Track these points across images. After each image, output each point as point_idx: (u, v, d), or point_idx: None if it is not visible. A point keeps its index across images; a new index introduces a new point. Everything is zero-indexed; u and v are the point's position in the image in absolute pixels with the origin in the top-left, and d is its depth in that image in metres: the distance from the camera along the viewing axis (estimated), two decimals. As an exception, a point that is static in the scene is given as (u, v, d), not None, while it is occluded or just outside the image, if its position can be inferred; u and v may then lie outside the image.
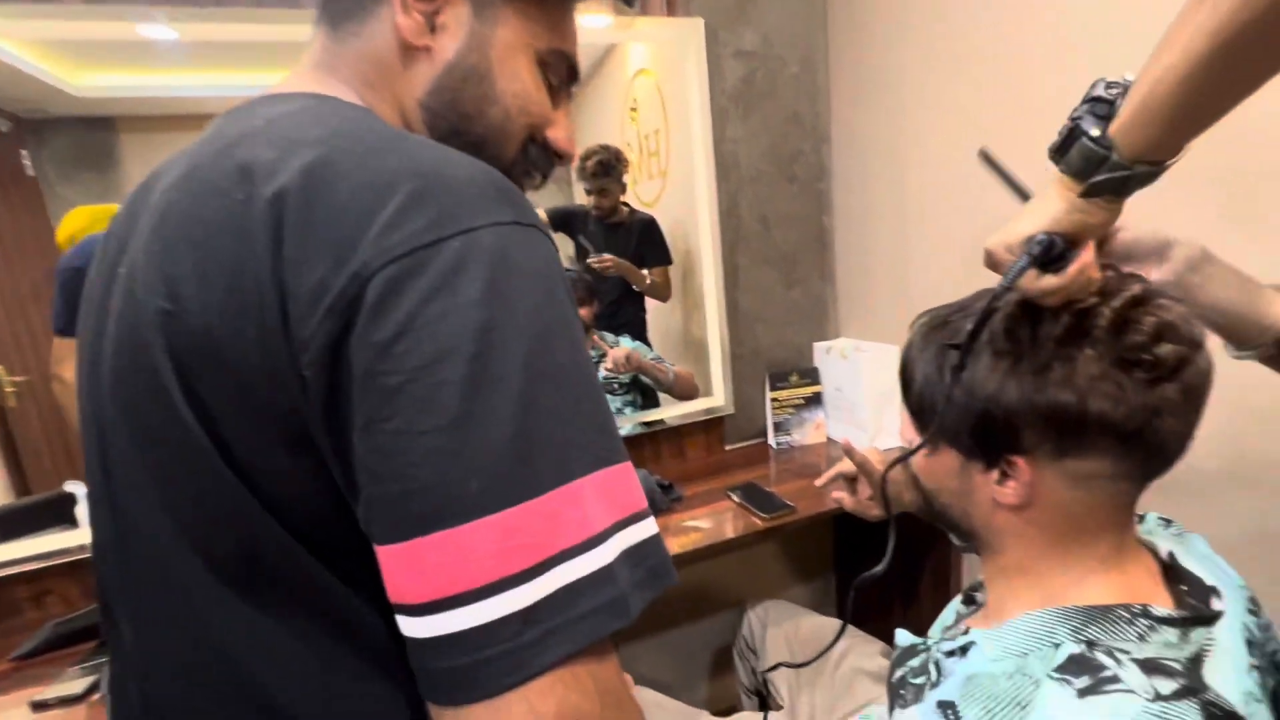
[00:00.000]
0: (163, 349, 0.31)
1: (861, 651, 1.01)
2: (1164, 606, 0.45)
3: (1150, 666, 0.40)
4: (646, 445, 1.43)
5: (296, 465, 0.32)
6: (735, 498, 1.23)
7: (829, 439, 1.51)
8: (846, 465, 0.83)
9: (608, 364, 1.41)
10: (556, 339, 0.31)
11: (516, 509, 0.28)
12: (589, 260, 1.38)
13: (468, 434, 0.28)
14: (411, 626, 0.29)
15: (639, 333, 1.48)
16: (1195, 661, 0.43)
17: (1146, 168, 0.40)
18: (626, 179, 1.38)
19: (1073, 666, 0.41)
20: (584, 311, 1.38)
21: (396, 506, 0.28)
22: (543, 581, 0.28)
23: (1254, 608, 0.50)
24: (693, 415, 1.44)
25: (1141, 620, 0.43)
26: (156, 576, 0.36)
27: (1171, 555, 0.50)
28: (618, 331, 1.45)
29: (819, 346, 1.52)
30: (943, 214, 1.24)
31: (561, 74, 0.46)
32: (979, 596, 0.63)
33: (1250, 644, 0.47)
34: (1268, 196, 0.77)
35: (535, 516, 0.28)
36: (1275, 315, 0.53)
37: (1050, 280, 0.44)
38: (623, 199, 1.39)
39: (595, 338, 1.43)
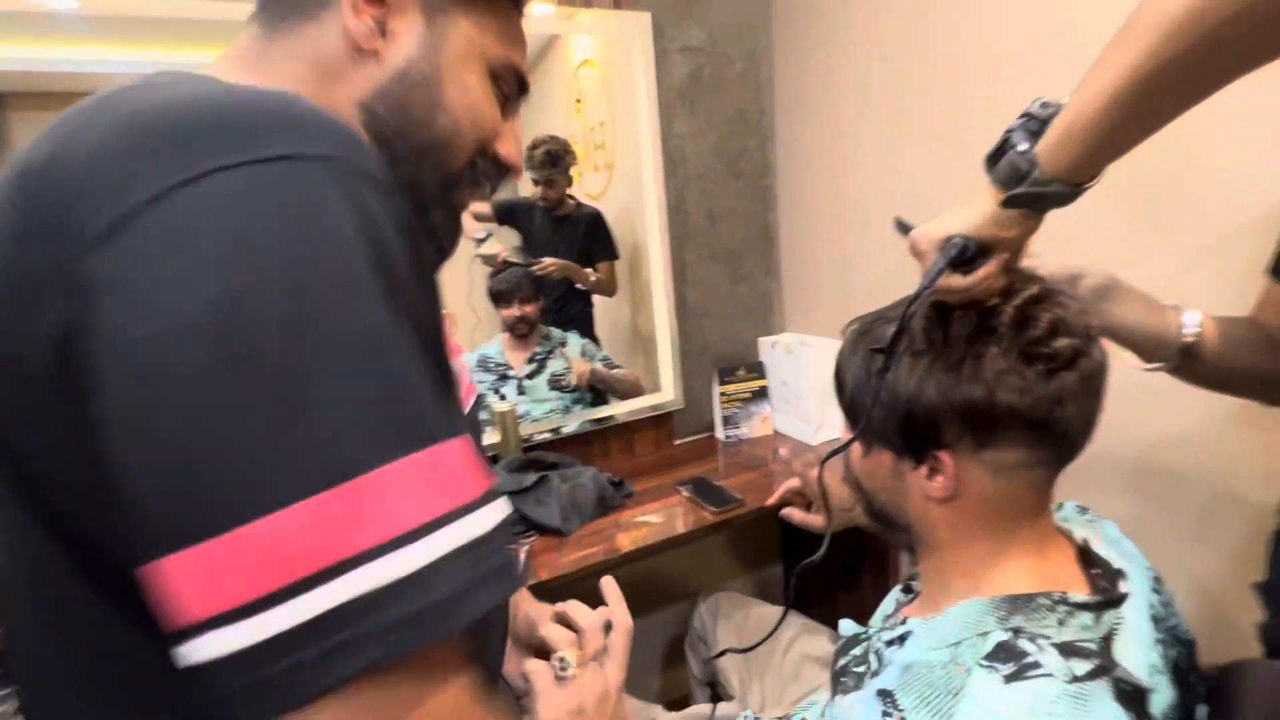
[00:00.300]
0: None
1: (809, 639, 1.04)
2: (1080, 591, 0.49)
3: (1068, 650, 0.44)
4: (596, 442, 1.42)
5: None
6: (685, 492, 1.24)
7: (775, 432, 1.55)
8: (795, 481, 0.86)
9: (573, 379, 1.39)
10: (334, 301, 0.26)
11: (285, 511, 0.24)
12: (532, 269, 1.36)
13: (216, 430, 0.24)
14: (177, 656, 0.24)
15: (586, 328, 1.46)
16: (1107, 640, 0.46)
17: (1063, 187, 0.42)
18: (574, 172, 1.36)
19: (1000, 654, 0.44)
20: (530, 308, 1.35)
21: (145, 521, 0.24)
22: (325, 592, 0.24)
23: (1157, 586, 0.55)
24: (643, 411, 1.44)
25: (1060, 607, 0.46)
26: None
27: (1085, 541, 0.54)
28: (564, 327, 1.43)
29: (764, 341, 1.55)
30: (884, 211, 1.28)
31: (511, 87, 0.45)
32: (916, 585, 0.66)
33: (1155, 620, 0.51)
34: (1173, 206, 0.83)
35: (312, 516, 0.24)
36: (1175, 332, 0.59)
37: (957, 280, 0.47)
38: (569, 191, 1.37)
39: (537, 344, 1.41)
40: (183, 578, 0.24)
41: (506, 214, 1.36)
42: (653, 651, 1.59)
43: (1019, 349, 0.46)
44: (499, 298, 1.34)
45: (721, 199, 1.47)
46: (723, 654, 0.91)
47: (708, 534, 1.14)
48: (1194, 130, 0.73)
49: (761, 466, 1.37)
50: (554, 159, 1.33)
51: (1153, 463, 0.89)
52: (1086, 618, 0.46)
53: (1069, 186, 0.42)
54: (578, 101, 1.39)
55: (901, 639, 0.53)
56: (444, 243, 0.45)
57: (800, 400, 1.47)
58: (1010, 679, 0.42)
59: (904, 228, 0.57)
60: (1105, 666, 0.43)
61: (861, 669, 0.56)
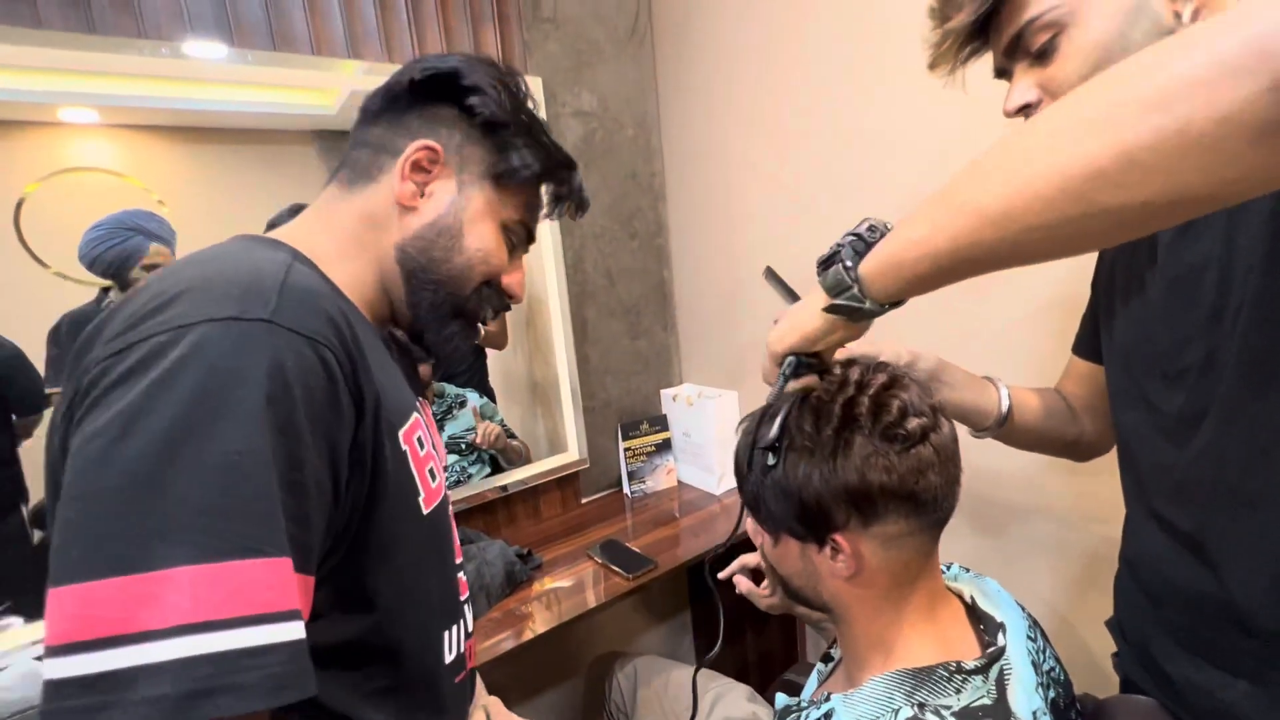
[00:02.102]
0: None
1: (729, 700, 1.04)
2: (970, 649, 0.54)
3: (966, 715, 0.48)
4: (500, 510, 1.36)
5: None
6: (597, 558, 1.21)
7: (679, 483, 1.57)
8: (751, 558, 0.87)
9: (477, 438, 1.33)
10: (214, 431, 0.33)
11: (100, 583, 0.30)
12: None
13: (82, 506, 0.32)
14: None
15: (481, 382, 1.41)
16: (1002, 688, 0.51)
17: (877, 306, 0.47)
18: None
19: None
20: (423, 368, 1.28)
21: (49, 560, 0.32)
22: (108, 656, 0.29)
23: (1032, 634, 0.62)
24: (550, 472, 1.40)
25: (957, 677, 0.51)
26: None
27: (973, 599, 0.60)
28: (457, 381, 1.37)
29: (666, 394, 1.58)
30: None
31: (520, 236, 0.59)
32: (834, 652, 0.69)
33: (1034, 665, 0.57)
34: (991, 280, 0.97)
35: (119, 593, 0.30)
36: (995, 404, 0.68)
37: (796, 384, 0.55)
38: None
39: (431, 403, 1.33)
40: (46, 610, 0.31)
41: None
42: (566, 723, 1.52)
43: (879, 433, 0.51)
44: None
45: (618, 257, 1.49)
46: None
47: (630, 598, 1.12)
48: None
49: (670, 521, 1.38)
50: None
51: (1040, 504, 1.01)
52: (978, 680, 0.51)
53: (881, 307, 0.47)
54: None
55: (827, 716, 0.55)
56: (458, 349, 0.58)
57: (702, 451, 1.50)
58: None
59: (772, 275, 0.66)
60: None
61: None
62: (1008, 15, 0.48)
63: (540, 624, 1.03)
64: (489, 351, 1.42)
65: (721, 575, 0.88)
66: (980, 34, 0.51)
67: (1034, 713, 0.51)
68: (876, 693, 0.52)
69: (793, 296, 0.62)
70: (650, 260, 1.56)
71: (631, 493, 1.51)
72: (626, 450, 1.49)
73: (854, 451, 0.51)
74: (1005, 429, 0.68)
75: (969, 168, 0.38)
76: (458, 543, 0.62)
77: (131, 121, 1.02)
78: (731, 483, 1.51)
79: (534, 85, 1.29)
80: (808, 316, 0.52)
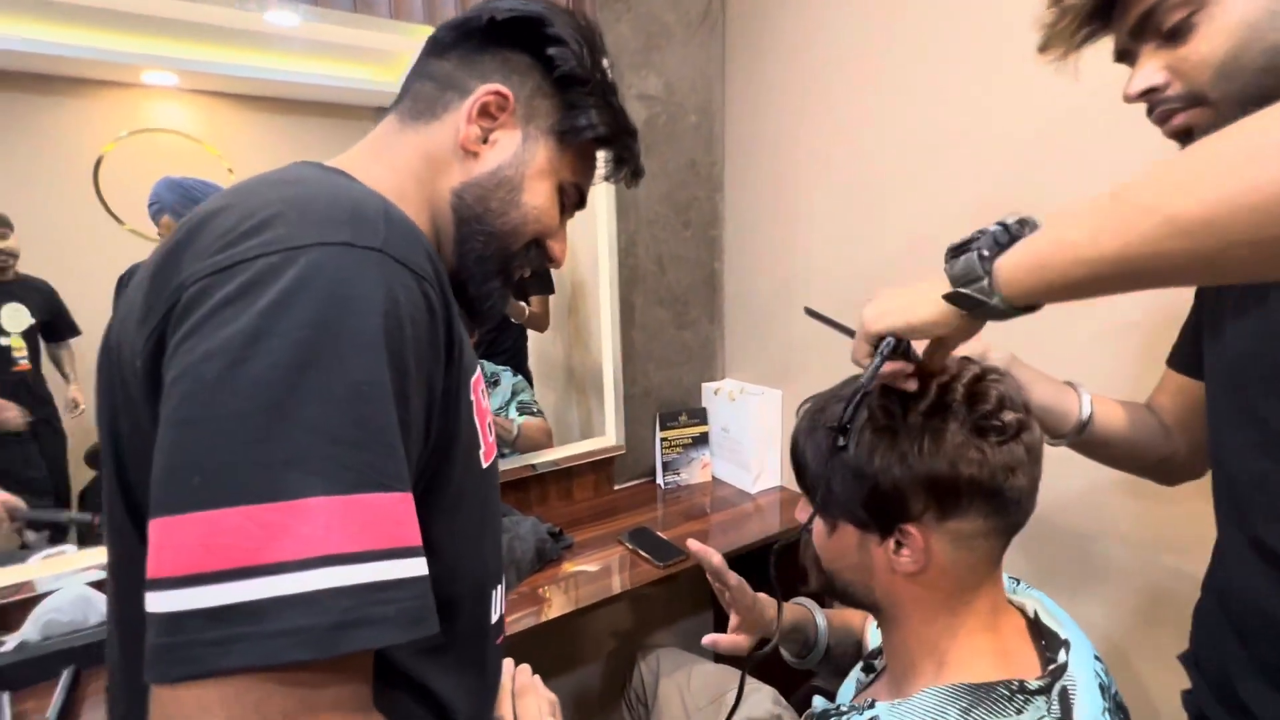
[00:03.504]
0: (128, 368, 0.36)
1: (754, 701, 1.02)
2: (1032, 668, 0.51)
3: None
4: (533, 488, 1.36)
5: None
6: (628, 544, 1.20)
7: (714, 478, 1.55)
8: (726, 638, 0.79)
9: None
10: (340, 360, 0.31)
11: (227, 511, 0.29)
12: None
13: (201, 431, 0.30)
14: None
15: (519, 362, 1.41)
16: (1067, 709, 0.48)
17: (1004, 305, 0.43)
18: None
19: None
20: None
21: (154, 488, 0.30)
22: (239, 587, 0.28)
23: (1097, 654, 0.58)
24: (584, 455, 1.40)
25: (1019, 696, 0.47)
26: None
27: (1036, 613, 0.56)
28: (496, 360, 1.37)
29: (707, 387, 1.56)
30: (824, 268, 1.33)
31: (573, 200, 0.56)
32: (877, 664, 0.66)
33: (1102, 689, 0.53)
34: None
35: (248, 522, 0.29)
36: (1076, 409, 0.63)
37: (890, 367, 0.50)
38: None
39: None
40: (152, 540, 0.30)
41: None
42: (586, 711, 1.52)
43: (972, 423, 0.48)
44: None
45: (671, 245, 1.48)
46: None
47: (655, 589, 1.10)
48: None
49: (701, 516, 1.36)
50: None
51: (1051, 530, 0.96)
52: (1040, 701, 0.47)
53: (1010, 307, 0.43)
54: None
55: None
56: (495, 307, 0.55)
57: (740, 447, 1.48)
58: None
59: (814, 315, 0.62)
60: None
61: None
62: None
63: (566, 604, 1.02)
64: (529, 333, 1.42)
65: (704, 641, 0.79)
66: (1101, 13, 0.48)
67: None
68: (928, 704, 0.48)
69: (842, 328, 0.59)
70: (703, 251, 1.54)
71: (665, 483, 1.49)
72: (663, 440, 1.48)
73: (946, 438, 0.48)
74: (1085, 437, 0.64)
75: (1154, 171, 0.34)
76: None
77: (209, 88, 1.05)
78: (769, 483, 1.48)
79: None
80: (920, 301, 0.47)
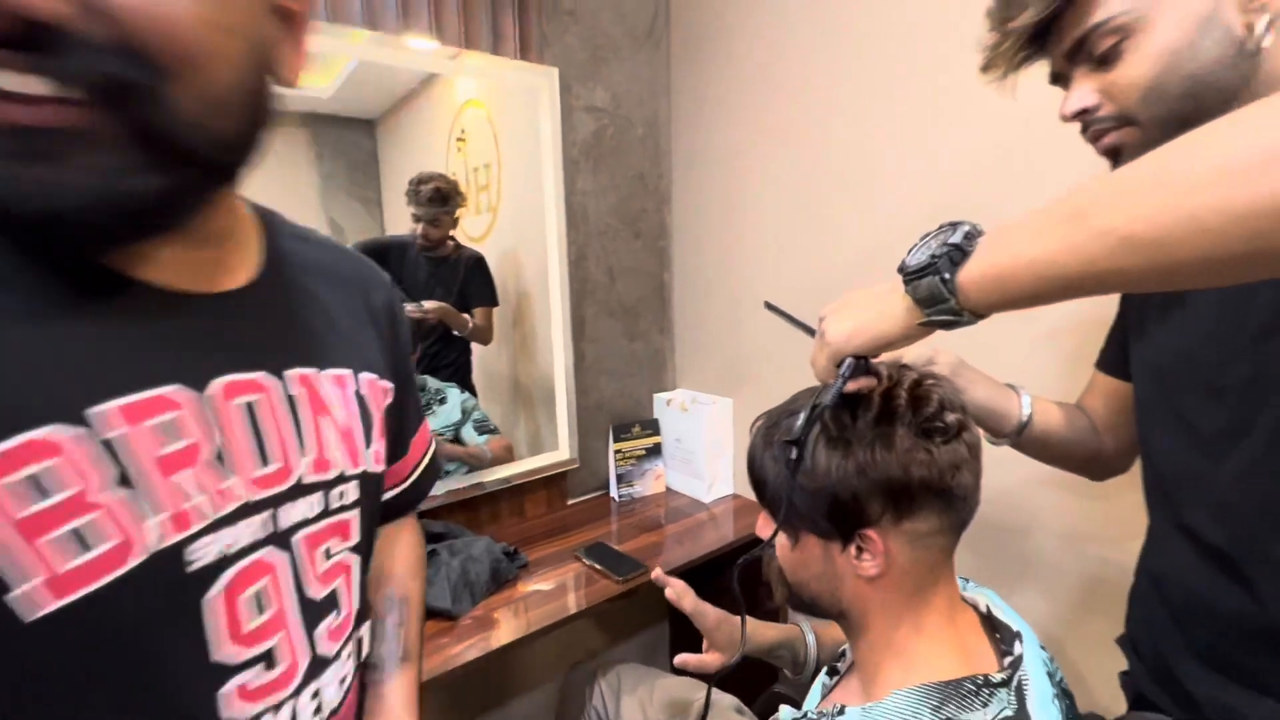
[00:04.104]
0: None
1: (717, 710, 1.02)
2: (989, 661, 0.53)
3: None
4: (484, 506, 1.32)
5: None
6: (585, 560, 1.18)
7: (668, 489, 1.55)
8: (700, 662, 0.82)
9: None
10: None
11: None
12: (407, 307, 1.25)
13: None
14: None
15: (464, 378, 1.37)
16: (1021, 700, 0.50)
17: (973, 318, 0.45)
18: (459, 215, 1.28)
19: None
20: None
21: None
22: None
23: (1043, 644, 0.61)
24: (537, 471, 1.37)
25: (984, 690, 0.50)
26: None
27: (988, 608, 0.59)
28: (440, 376, 1.33)
29: (659, 398, 1.56)
30: (770, 277, 1.36)
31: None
32: (840, 667, 0.68)
33: (1049, 675, 0.56)
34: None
35: None
36: (1017, 410, 0.68)
37: (854, 384, 0.52)
38: (451, 233, 1.29)
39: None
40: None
41: (372, 257, 1.21)
42: (537, 732, 1.47)
43: (917, 426, 0.51)
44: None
45: (621, 257, 1.48)
46: None
47: (611, 604, 1.09)
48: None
49: (657, 527, 1.36)
50: (443, 198, 1.24)
51: (985, 528, 1.02)
52: (1003, 693, 0.50)
53: (977, 318, 0.45)
54: (460, 139, 1.33)
55: None
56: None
57: (693, 457, 1.49)
58: None
59: (773, 307, 0.62)
60: None
61: None
62: (1073, 18, 0.48)
63: (523, 627, 0.99)
64: (473, 347, 1.38)
65: (678, 662, 0.81)
66: (1039, 38, 0.51)
67: None
68: (900, 706, 0.50)
69: (801, 325, 0.61)
70: (651, 262, 1.55)
71: (619, 496, 1.48)
72: (617, 453, 1.47)
73: (895, 444, 0.50)
74: (1025, 437, 0.68)
75: (1107, 185, 0.35)
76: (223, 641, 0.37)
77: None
78: (722, 491, 1.49)
79: (549, 76, 1.27)
80: (886, 315, 0.49)
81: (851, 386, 0.52)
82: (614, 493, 1.49)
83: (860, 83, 1.13)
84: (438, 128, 1.29)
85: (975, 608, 0.60)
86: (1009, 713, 0.48)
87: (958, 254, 0.44)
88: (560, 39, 1.30)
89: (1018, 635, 0.56)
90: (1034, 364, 0.95)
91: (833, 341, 0.51)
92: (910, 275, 0.46)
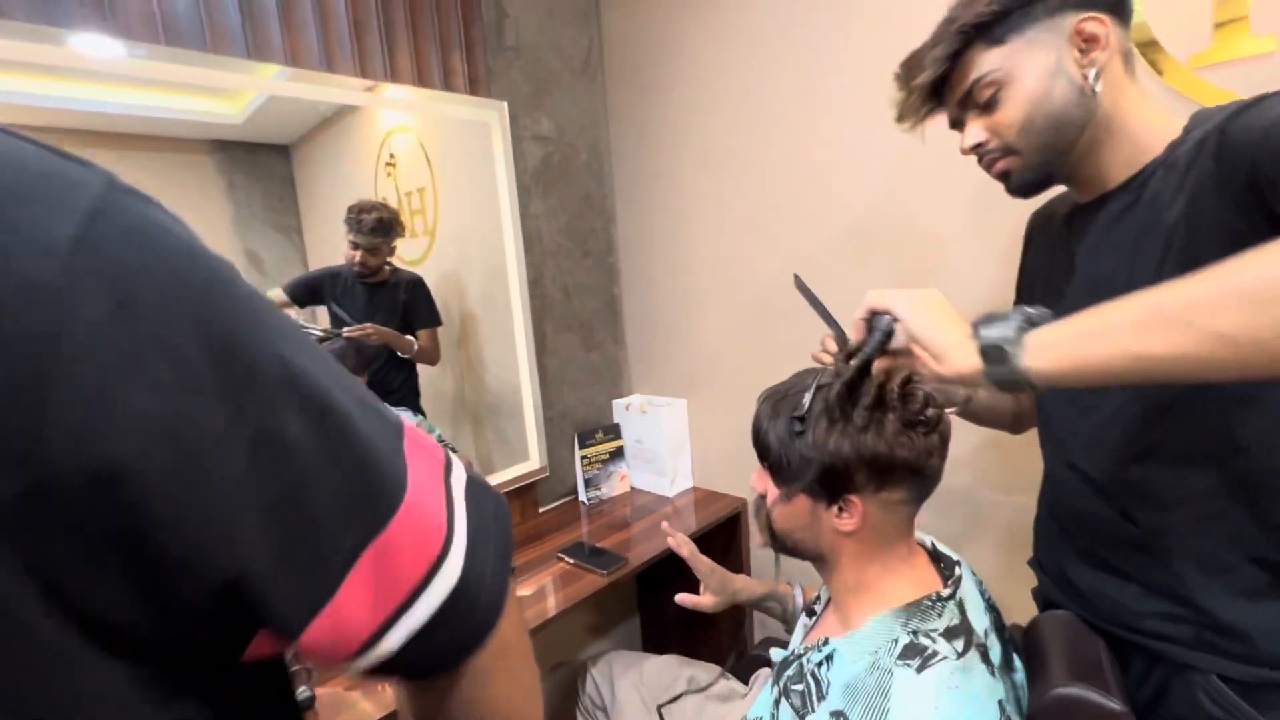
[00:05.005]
0: None
1: (699, 679, 1.12)
2: (939, 584, 0.66)
3: (949, 634, 0.60)
4: (463, 520, 1.37)
5: None
6: (568, 560, 1.26)
7: (633, 488, 1.65)
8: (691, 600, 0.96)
9: None
10: None
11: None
12: (345, 330, 1.27)
13: None
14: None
15: (412, 400, 1.39)
16: (963, 611, 0.64)
17: (1033, 387, 0.51)
18: (397, 244, 1.30)
19: (908, 652, 0.59)
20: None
21: None
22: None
23: (973, 570, 0.76)
24: (510, 482, 1.43)
25: (938, 604, 0.63)
26: None
27: (934, 544, 0.74)
28: (390, 400, 1.35)
29: (618, 403, 1.66)
30: (713, 286, 1.50)
31: None
32: (817, 608, 0.80)
33: (981, 594, 0.71)
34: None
35: None
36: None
37: (881, 363, 0.63)
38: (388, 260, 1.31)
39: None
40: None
41: (306, 294, 1.22)
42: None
43: (905, 417, 0.62)
44: (315, 373, 1.23)
45: (574, 274, 1.57)
46: (678, 698, 1.02)
47: (601, 596, 1.17)
48: (965, 233, 1.02)
49: (625, 525, 1.45)
50: (386, 228, 1.27)
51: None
52: (950, 605, 0.64)
53: (1034, 389, 0.51)
54: (389, 165, 1.35)
55: (829, 658, 0.65)
56: None
57: (655, 456, 1.59)
58: (920, 669, 0.57)
59: (802, 288, 0.72)
60: (970, 638, 0.60)
61: (800, 687, 0.67)
62: (959, 75, 0.63)
63: (528, 622, 1.06)
64: (419, 368, 1.39)
65: (679, 599, 0.96)
66: (937, 93, 0.66)
67: (984, 630, 0.65)
68: (878, 629, 0.62)
69: (821, 307, 0.71)
70: (603, 278, 1.65)
71: (588, 499, 1.57)
72: (583, 458, 1.55)
73: (886, 428, 0.62)
74: (970, 407, 0.83)
75: (1197, 285, 0.41)
76: None
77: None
78: (683, 485, 1.61)
79: (499, 109, 1.35)
80: (964, 362, 0.54)
81: (880, 364, 0.61)
82: (583, 496, 1.57)
83: (786, 106, 1.28)
84: (363, 152, 1.28)
85: (923, 546, 0.74)
86: (956, 620, 0.62)
87: (1026, 324, 0.51)
88: (505, 74, 1.39)
89: (957, 563, 0.70)
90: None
91: (903, 316, 0.58)
92: (986, 350, 0.52)
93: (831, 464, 0.63)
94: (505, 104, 1.36)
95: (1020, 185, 0.66)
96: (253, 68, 1.02)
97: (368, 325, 1.27)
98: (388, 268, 1.31)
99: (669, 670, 1.17)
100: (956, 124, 0.68)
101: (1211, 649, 0.59)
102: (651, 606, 1.80)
